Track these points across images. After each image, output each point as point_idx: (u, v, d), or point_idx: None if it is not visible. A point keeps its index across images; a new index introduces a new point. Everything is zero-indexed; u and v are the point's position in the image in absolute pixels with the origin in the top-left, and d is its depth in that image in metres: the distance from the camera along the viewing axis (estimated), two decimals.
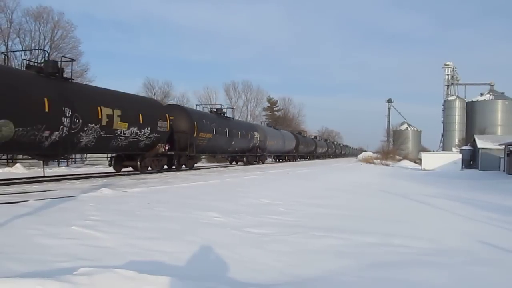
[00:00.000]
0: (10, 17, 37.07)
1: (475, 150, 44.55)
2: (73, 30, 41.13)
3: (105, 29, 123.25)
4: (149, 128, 18.57)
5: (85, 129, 14.97)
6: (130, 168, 19.91)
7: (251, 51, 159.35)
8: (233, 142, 29.03)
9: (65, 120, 13.97)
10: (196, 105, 33.16)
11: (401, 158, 61.82)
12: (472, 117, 67.45)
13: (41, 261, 4.42)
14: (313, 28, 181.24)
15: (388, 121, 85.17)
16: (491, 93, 67.85)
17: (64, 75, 15.02)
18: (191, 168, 23.42)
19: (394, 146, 72.27)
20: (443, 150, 66.13)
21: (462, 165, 42.11)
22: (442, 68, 76.12)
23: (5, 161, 17.27)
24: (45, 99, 13.23)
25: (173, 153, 21.18)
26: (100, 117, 15.58)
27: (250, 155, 33.80)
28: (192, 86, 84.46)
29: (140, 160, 19.11)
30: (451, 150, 57.24)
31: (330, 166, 36.92)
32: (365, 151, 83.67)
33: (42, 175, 15.60)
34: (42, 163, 17.19)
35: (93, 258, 4.68)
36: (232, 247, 5.75)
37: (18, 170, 21.05)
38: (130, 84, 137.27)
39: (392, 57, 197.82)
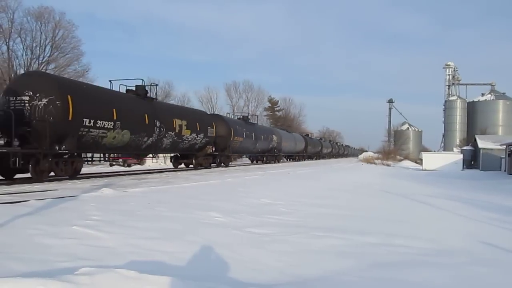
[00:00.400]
0: (11, 17, 37.22)
1: (476, 150, 44.54)
2: (74, 30, 41.26)
3: (107, 29, 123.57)
4: (202, 134, 23.85)
5: (166, 135, 20.19)
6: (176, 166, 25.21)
7: (252, 51, 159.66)
8: (257, 144, 34.16)
9: (156, 129, 19.21)
10: (227, 113, 39.29)
11: (402, 158, 61.88)
12: (473, 117, 67.43)
13: (42, 261, 4.42)
14: (314, 28, 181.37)
15: (389, 121, 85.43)
16: (492, 93, 67.83)
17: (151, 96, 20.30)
18: (227, 165, 28.75)
19: (395, 146, 72.31)
20: (444, 150, 66.13)
21: (463, 165, 42.10)
22: (443, 68, 76.29)
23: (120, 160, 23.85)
24: (146, 115, 18.48)
25: (217, 153, 26.63)
26: (174, 126, 20.82)
27: (269, 155, 38.91)
28: (193, 86, 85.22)
29: (195, 159, 24.50)
30: (452, 150, 57.23)
31: (331, 166, 36.92)
32: (366, 151, 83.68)
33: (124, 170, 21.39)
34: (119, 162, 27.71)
35: (94, 258, 4.69)
36: (233, 247, 5.75)
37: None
38: (131, 83, 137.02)
39: (393, 57, 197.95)
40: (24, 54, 38.50)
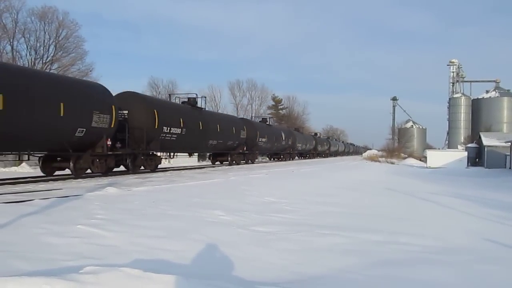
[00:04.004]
0: (15, 17, 37.29)
1: (480, 147, 44.34)
2: (78, 30, 41.32)
3: (112, 29, 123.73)
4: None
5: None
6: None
7: (256, 50, 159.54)
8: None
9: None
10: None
11: (406, 156, 61.58)
12: (477, 114, 67.09)
13: (47, 260, 4.43)
14: (318, 27, 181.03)
15: (393, 119, 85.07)
16: (496, 90, 67.47)
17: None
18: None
19: (399, 144, 72.00)
20: (448, 147, 65.85)
21: (467, 163, 41.89)
22: (448, 65, 75.92)
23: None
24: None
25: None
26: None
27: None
28: (197, 85, 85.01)
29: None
30: (457, 147, 57.03)
31: (335, 164, 36.87)
32: (370, 149, 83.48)
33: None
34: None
35: (99, 257, 4.70)
36: (238, 246, 5.75)
37: (24, 169, 21.18)
38: (135, 83, 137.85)
39: (397, 55, 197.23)
40: (28, 54, 38.63)
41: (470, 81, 74.90)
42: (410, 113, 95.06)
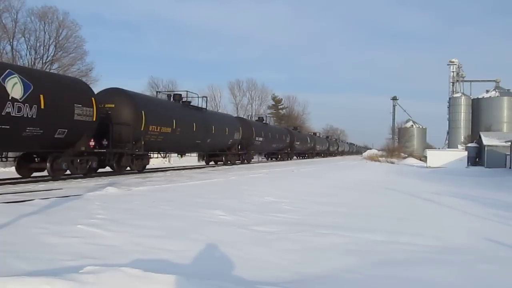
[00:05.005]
0: (15, 16, 37.30)
1: (481, 147, 44.31)
2: (78, 30, 41.32)
3: (112, 29, 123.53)
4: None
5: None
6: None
7: (256, 50, 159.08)
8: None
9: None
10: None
11: (406, 155, 61.54)
12: (477, 114, 67.07)
13: (47, 260, 4.43)
14: (318, 26, 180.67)
15: (393, 119, 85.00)
16: (496, 90, 67.43)
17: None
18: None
19: (399, 144, 71.98)
20: (448, 147, 65.76)
21: (468, 163, 41.85)
22: (448, 65, 75.82)
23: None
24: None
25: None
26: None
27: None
28: (197, 85, 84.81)
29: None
30: (457, 147, 56.97)
31: (335, 164, 36.86)
32: (370, 148, 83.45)
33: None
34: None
35: (99, 257, 4.69)
36: (238, 245, 5.75)
37: None
38: (135, 83, 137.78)
39: (398, 54, 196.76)
40: (28, 54, 38.64)
41: (470, 81, 74.91)
42: (410, 112, 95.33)
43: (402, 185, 18.45)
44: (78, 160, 14.89)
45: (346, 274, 4.74)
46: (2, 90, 11.59)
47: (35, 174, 14.62)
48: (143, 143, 17.93)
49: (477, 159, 45.10)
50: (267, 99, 78.99)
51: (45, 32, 38.96)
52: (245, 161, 31.62)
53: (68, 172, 14.60)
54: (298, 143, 46.67)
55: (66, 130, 13.88)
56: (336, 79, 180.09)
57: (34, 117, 12.51)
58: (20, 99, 12.10)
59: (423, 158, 52.85)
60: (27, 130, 12.49)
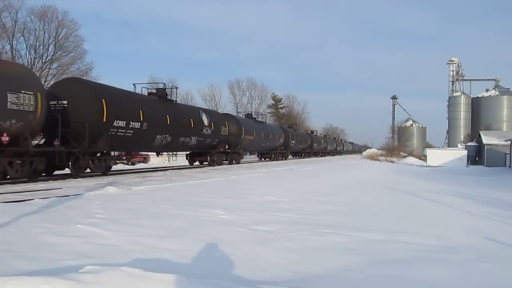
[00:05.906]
0: (15, 16, 37.31)
1: (480, 146, 44.34)
2: (77, 29, 41.33)
3: (112, 28, 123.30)
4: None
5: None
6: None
7: (256, 49, 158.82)
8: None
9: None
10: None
11: (406, 154, 61.54)
12: (477, 113, 67.07)
13: (47, 259, 4.43)
14: (318, 26, 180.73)
15: (393, 118, 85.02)
16: (496, 89, 67.43)
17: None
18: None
19: (399, 143, 72.00)
20: (448, 146, 65.83)
21: (467, 162, 41.87)
22: (447, 64, 75.85)
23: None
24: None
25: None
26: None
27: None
28: (197, 84, 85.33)
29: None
30: (457, 146, 56.96)
31: (334, 163, 36.85)
32: (370, 147, 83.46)
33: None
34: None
35: (99, 256, 4.69)
36: (237, 245, 5.75)
37: None
38: (135, 82, 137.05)
39: (397, 54, 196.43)
40: (27, 53, 38.71)
41: (470, 80, 74.93)
42: (410, 111, 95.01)
43: (402, 184, 18.46)
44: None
45: (346, 273, 4.74)
46: None
47: None
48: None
49: (477, 158, 45.14)
50: (267, 98, 79.12)
51: (44, 32, 39.03)
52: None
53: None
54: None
55: None
56: (336, 78, 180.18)
57: None
58: None
59: (423, 157, 52.85)
60: None
